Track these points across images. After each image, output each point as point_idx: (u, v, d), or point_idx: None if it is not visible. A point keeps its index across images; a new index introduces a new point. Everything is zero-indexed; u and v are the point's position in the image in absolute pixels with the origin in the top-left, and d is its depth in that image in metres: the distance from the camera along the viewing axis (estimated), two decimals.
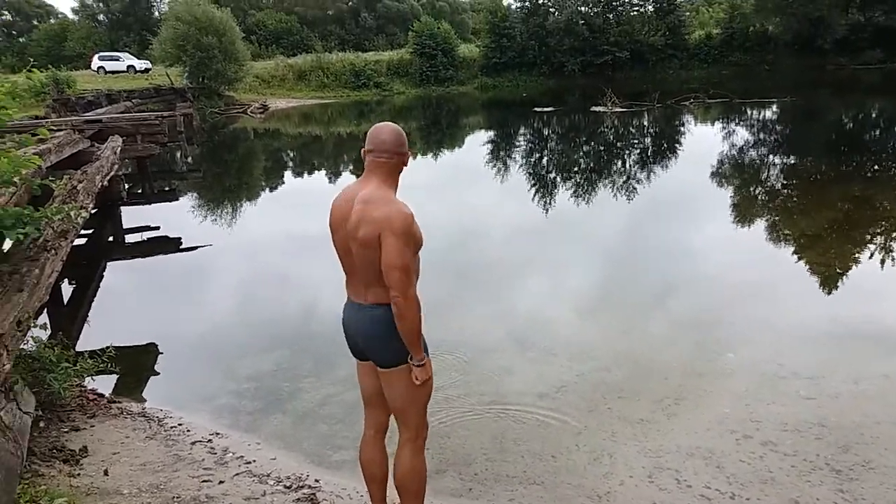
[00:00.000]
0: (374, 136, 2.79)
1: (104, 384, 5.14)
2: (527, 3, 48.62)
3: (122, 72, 42.72)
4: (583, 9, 47.95)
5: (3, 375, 3.56)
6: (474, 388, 4.89)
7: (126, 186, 13.20)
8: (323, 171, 19.54)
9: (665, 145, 19.40)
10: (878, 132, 20.70)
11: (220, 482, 3.68)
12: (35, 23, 73.44)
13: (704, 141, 18.75)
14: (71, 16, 73.20)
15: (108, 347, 4.88)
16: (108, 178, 9.87)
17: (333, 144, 25.14)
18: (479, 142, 22.64)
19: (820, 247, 8.48)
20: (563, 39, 45.81)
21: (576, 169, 16.52)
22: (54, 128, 10.66)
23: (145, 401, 5.05)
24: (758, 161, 15.71)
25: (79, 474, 3.64)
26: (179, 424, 4.52)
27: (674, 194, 12.66)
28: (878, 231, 9.25)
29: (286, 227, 11.25)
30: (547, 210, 11.63)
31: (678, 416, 4.46)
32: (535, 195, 12.99)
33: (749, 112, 25.73)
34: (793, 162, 15.42)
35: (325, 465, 4.05)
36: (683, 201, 11.99)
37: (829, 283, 7.27)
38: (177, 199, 14.69)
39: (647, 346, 5.67)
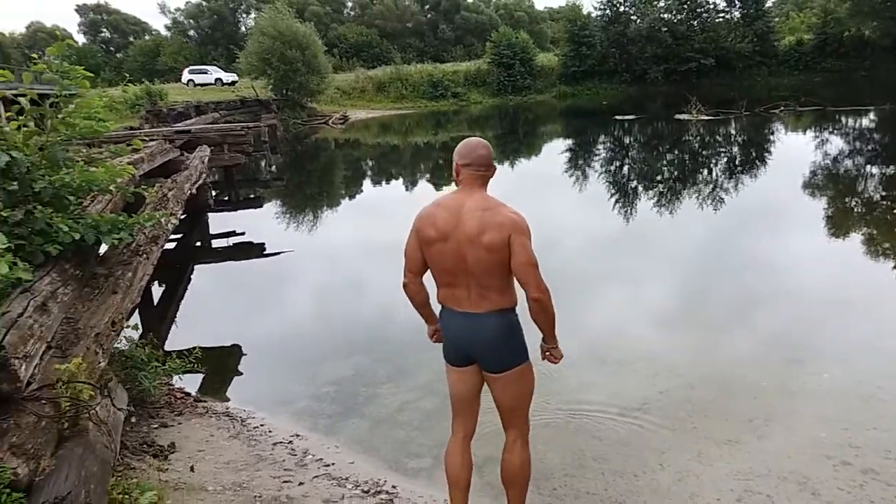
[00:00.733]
0: (471, 151, 2.98)
1: (191, 383, 5.32)
2: (608, 11, 47.94)
3: (211, 84, 44.62)
4: (666, 16, 47.00)
5: (98, 372, 3.72)
6: (552, 401, 4.77)
7: (213, 194, 13.72)
8: (400, 180, 19.77)
9: (753, 154, 18.67)
10: None
11: (300, 483, 3.73)
12: (131, 39, 77.84)
13: (795, 150, 17.91)
14: (164, 32, 77.42)
15: (194, 348, 5.06)
16: (196, 186, 10.27)
17: (410, 154, 25.42)
18: (556, 150, 22.42)
19: None
20: (646, 47, 44.98)
21: (658, 178, 16.09)
22: (146, 138, 11.18)
23: (229, 400, 5.19)
24: (853, 171, 14.88)
25: (167, 469, 3.75)
26: (262, 425, 4.61)
27: (763, 205, 12.10)
28: None
29: (364, 234, 11.41)
30: (628, 220, 11.36)
31: (769, 437, 4.22)
32: (615, 204, 12.71)
33: (844, 120, 24.47)
34: (892, 172, 14.53)
35: (401, 471, 4.04)
36: (773, 212, 11.44)
37: None
38: (261, 206, 15.17)
39: (735, 364, 5.42)
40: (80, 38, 74.95)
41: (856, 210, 11.46)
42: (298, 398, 5.21)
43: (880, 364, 5.22)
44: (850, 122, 24.24)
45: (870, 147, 18.99)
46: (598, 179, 15.68)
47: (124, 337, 4.85)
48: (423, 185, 18.23)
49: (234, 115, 32.90)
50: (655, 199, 13.29)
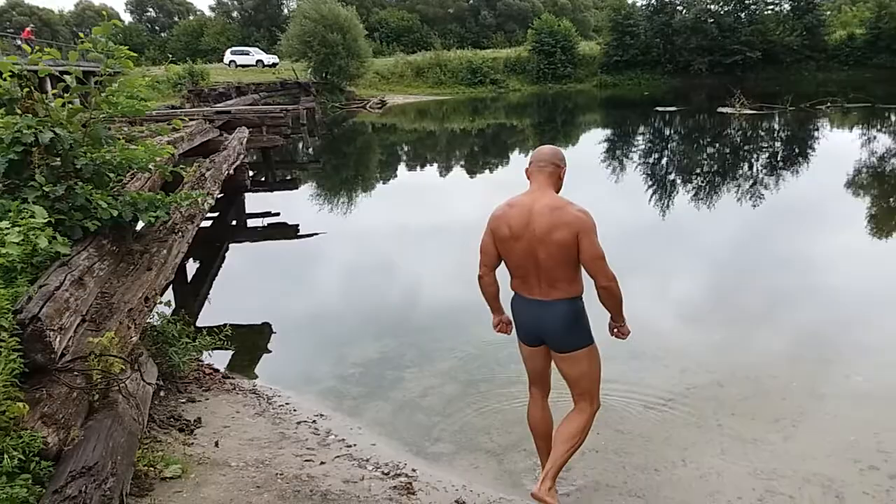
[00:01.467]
0: (539, 155, 3.29)
1: (219, 359, 5.43)
2: (653, 1, 47.09)
3: (252, 66, 44.97)
4: (712, 7, 46.00)
5: (130, 347, 3.82)
6: None
7: (250, 174, 13.88)
8: (435, 166, 19.78)
9: (797, 150, 18.24)
10: None
11: (322, 463, 3.78)
12: (175, 19, 78.97)
13: (841, 147, 17.41)
14: (208, 13, 78.42)
15: (224, 325, 5.15)
16: (233, 166, 10.41)
17: (447, 140, 25.39)
18: (594, 140, 22.16)
19: None
20: (690, 38, 44.10)
21: (697, 171, 15.82)
22: (187, 118, 11.36)
23: (256, 378, 5.28)
24: None
25: (192, 443, 3.84)
26: (287, 403, 4.69)
27: (804, 202, 11.82)
28: None
29: (397, 218, 11.47)
30: (664, 213, 11.21)
31: (795, 438, 4.15)
32: (651, 196, 12.55)
33: (893, 118, 23.74)
34: None
35: (422, 455, 4.08)
36: (814, 210, 11.17)
37: None
38: (297, 188, 15.34)
39: (766, 363, 5.32)
40: (127, 17, 76.46)
41: None
42: (325, 378, 5.28)
43: None
44: None
45: None
46: (636, 171, 15.49)
47: (157, 313, 4.96)
48: (458, 171, 18.22)
49: (274, 97, 33.24)
50: (693, 192, 13.08)
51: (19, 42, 29.08)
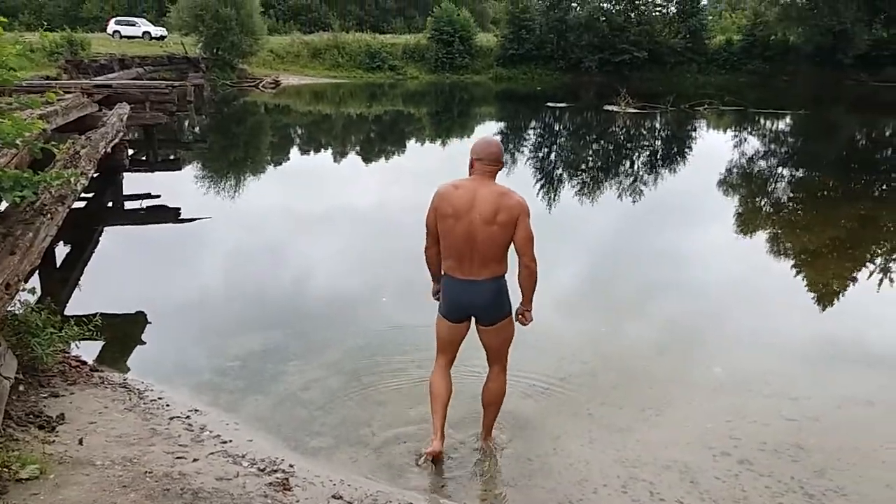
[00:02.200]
0: (488, 151, 3.60)
1: (88, 351, 5.14)
2: None
3: (138, 37, 42.50)
4: (605, 5, 47.46)
5: None
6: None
7: (130, 153, 13.16)
8: (329, 150, 19.50)
9: (675, 149, 19.29)
10: (890, 152, 20.51)
11: (195, 460, 3.67)
12: None
13: (715, 148, 18.62)
14: None
15: (95, 314, 4.87)
16: (112, 144, 9.85)
17: (342, 125, 25.06)
18: (488, 132, 22.53)
19: (820, 264, 8.42)
20: (583, 35, 45.36)
21: (582, 167, 16.44)
22: (62, 91, 10.62)
23: (128, 371, 5.05)
24: (766, 172, 15.61)
25: (53, 441, 3.63)
26: (160, 398, 4.51)
27: (678, 199, 12.58)
28: (881, 252, 9.20)
29: (288, 204, 11.23)
30: (550, 206, 11.57)
31: (659, 427, 4.43)
32: (539, 190, 12.92)
33: (763, 122, 25.56)
34: (801, 176, 15.31)
35: (300, 450, 4.04)
36: (687, 207, 11.92)
37: (826, 301, 7.22)
38: (180, 169, 14.67)
39: (636, 353, 5.64)
40: None
41: (763, 210, 12.02)
42: (201, 372, 5.11)
43: (770, 360, 5.54)
44: (769, 124, 25.37)
45: (783, 150, 19.93)
46: (525, 165, 15.88)
47: (19, 300, 4.64)
48: (353, 157, 18.04)
49: (160, 72, 31.59)
50: (577, 187, 13.60)
51: None
